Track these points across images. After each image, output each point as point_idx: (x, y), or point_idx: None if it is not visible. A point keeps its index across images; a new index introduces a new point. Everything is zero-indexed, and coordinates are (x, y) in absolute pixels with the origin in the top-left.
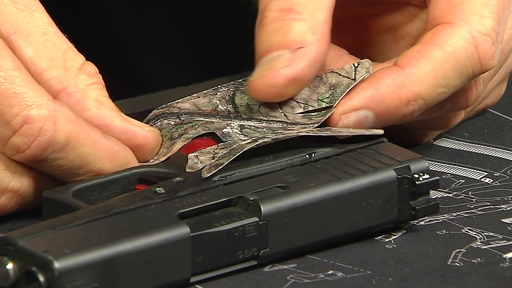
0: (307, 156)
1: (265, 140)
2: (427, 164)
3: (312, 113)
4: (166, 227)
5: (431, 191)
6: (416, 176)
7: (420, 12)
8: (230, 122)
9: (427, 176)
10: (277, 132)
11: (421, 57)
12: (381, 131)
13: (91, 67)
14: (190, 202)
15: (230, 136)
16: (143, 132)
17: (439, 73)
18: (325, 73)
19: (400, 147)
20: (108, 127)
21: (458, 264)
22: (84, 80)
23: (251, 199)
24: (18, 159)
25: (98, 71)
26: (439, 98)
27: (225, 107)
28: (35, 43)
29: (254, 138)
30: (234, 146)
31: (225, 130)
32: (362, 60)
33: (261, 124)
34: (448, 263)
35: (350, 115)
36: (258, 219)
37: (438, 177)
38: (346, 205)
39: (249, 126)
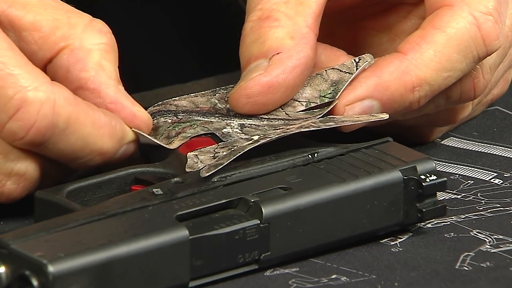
0: (310, 156)
1: (266, 139)
2: (434, 164)
3: (314, 110)
4: (164, 229)
5: (438, 192)
6: (422, 177)
7: (414, 9)
8: (230, 121)
9: (434, 177)
10: (279, 128)
11: (423, 42)
12: (386, 115)
13: (102, 25)
14: (188, 203)
15: (230, 136)
16: (132, 108)
17: (443, 57)
18: (326, 70)
19: (405, 147)
20: (100, 94)
21: (466, 268)
22: (91, 38)
23: (252, 200)
24: (17, 145)
25: (110, 31)
26: (445, 83)
27: (223, 106)
28: (34, 9)
29: (255, 139)
30: (235, 147)
31: (225, 130)
32: (363, 55)
33: (261, 122)
34: (456, 267)
35: (355, 106)
36: (259, 222)
37: (446, 178)
38: (350, 207)
39: (249, 125)
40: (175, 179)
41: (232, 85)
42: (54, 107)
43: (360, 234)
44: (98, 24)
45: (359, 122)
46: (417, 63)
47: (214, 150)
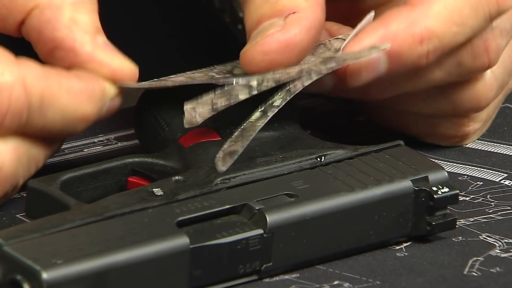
0: (317, 159)
1: (274, 110)
2: (447, 175)
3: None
4: (164, 237)
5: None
6: (434, 189)
7: None
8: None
9: (447, 189)
10: (277, 73)
11: None
12: (388, 45)
13: None
14: (190, 208)
15: (227, 80)
16: (110, 64)
17: (454, 10)
18: (329, 40)
19: (417, 152)
20: (75, 52)
21: (475, 274)
22: None
23: (257, 208)
24: None
25: None
26: (455, 40)
27: (222, 75)
28: None
29: (253, 85)
30: (232, 96)
31: (221, 80)
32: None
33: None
34: (465, 272)
35: None
36: (263, 232)
37: (458, 191)
38: (357, 218)
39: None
40: (176, 177)
41: (230, 62)
42: (25, 87)
43: (365, 245)
44: None
45: (362, 58)
46: (426, 14)
47: (211, 101)
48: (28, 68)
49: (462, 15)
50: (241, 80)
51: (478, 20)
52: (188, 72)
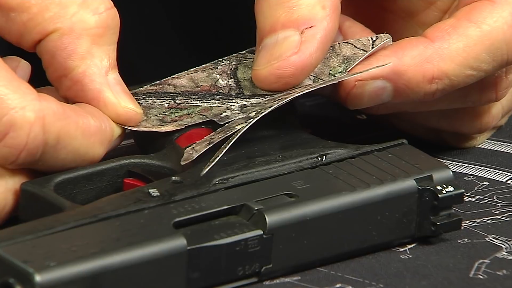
0: (318, 158)
1: (259, 116)
2: (452, 173)
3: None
4: (160, 239)
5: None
6: (439, 188)
7: (437, 0)
8: (230, 104)
9: (451, 188)
10: (277, 100)
11: (454, 32)
12: (389, 63)
13: (98, 3)
14: (187, 208)
15: (228, 118)
16: (116, 107)
17: (471, 53)
18: (339, 43)
19: (421, 151)
20: (83, 87)
21: (481, 277)
22: (83, 21)
23: (256, 208)
24: (8, 167)
25: (110, 5)
26: (465, 81)
27: (225, 82)
28: None
29: (252, 115)
30: (229, 132)
31: (223, 114)
32: (381, 34)
33: (264, 99)
34: (470, 275)
35: (366, 84)
36: (262, 233)
37: (463, 190)
38: (360, 219)
39: (250, 105)
40: (174, 178)
41: (235, 55)
42: (44, 125)
43: (368, 246)
44: (94, 3)
45: (359, 75)
46: (443, 53)
47: (210, 138)
48: (49, 106)
49: (479, 60)
50: (242, 115)
51: (494, 66)
52: (191, 70)
